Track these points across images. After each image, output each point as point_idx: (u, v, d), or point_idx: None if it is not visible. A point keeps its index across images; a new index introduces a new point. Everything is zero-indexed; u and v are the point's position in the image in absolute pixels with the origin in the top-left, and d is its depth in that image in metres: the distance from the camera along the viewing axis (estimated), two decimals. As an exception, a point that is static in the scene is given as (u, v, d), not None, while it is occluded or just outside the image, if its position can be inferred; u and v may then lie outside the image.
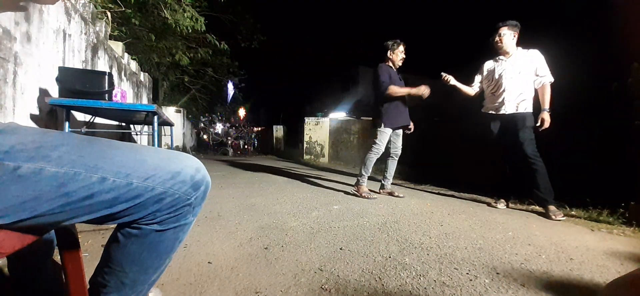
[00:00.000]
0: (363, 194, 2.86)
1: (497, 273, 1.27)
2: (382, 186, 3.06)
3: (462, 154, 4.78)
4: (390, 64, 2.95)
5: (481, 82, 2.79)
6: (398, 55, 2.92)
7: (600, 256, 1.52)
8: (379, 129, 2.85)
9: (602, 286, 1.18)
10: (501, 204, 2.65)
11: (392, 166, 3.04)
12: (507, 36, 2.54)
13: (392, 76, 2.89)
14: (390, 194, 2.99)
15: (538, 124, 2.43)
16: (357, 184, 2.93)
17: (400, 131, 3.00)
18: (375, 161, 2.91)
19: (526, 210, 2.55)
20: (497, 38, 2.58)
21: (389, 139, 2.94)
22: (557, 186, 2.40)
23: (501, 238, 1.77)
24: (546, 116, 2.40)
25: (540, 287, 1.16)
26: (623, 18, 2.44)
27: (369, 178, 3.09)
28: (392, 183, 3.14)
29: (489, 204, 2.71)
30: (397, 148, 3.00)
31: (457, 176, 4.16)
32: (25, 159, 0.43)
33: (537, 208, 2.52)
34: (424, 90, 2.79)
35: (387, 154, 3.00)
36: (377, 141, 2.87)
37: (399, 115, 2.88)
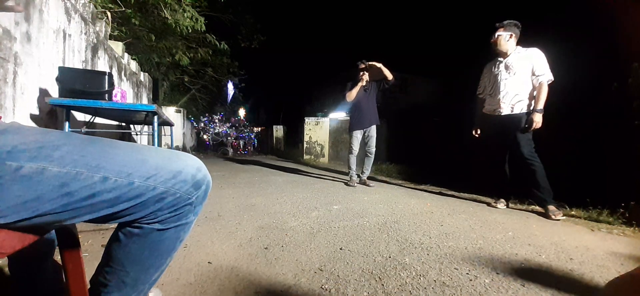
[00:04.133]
0: (349, 183, 3.66)
1: (497, 273, 1.27)
2: (359, 177, 3.77)
3: (462, 154, 4.77)
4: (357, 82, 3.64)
5: (485, 86, 2.79)
6: (359, 73, 3.61)
7: (600, 256, 1.52)
8: (350, 133, 3.69)
9: (602, 286, 1.19)
10: (501, 204, 2.65)
11: (368, 162, 3.72)
12: (503, 37, 2.51)
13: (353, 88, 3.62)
14: (364, 184, 3.68)
15: (526, 125, 2.39)
16: (349, 179, 3.73)
17: (373, 134, 3.63)
18: (353, 159, 3.67)
19: (526, 210, 2.55)
20: (493, 39, 2.56)
21: (363, 140, 3.67)
22: (557, 186, 2.39)
23: (501, 238, 1.77)
24: (536, 117, 2.35)
25: (540, 287, 1.16)
26: (623, 18, 2.45)
27: (371, 178, 3.71)
28: (368, 177, 3.84)
29: (489, 204, 2.71)
30: (370, 147, 3.66)
31: (457, 176, 4.17)
32: (27, 159, 0.43)
33: (537, 208, 2.52)
34: (362, 73, 3.53)
35: (363, 153, 3.75)
36: (350, 142, 3.71)
37: (361, 120, 3.61)
